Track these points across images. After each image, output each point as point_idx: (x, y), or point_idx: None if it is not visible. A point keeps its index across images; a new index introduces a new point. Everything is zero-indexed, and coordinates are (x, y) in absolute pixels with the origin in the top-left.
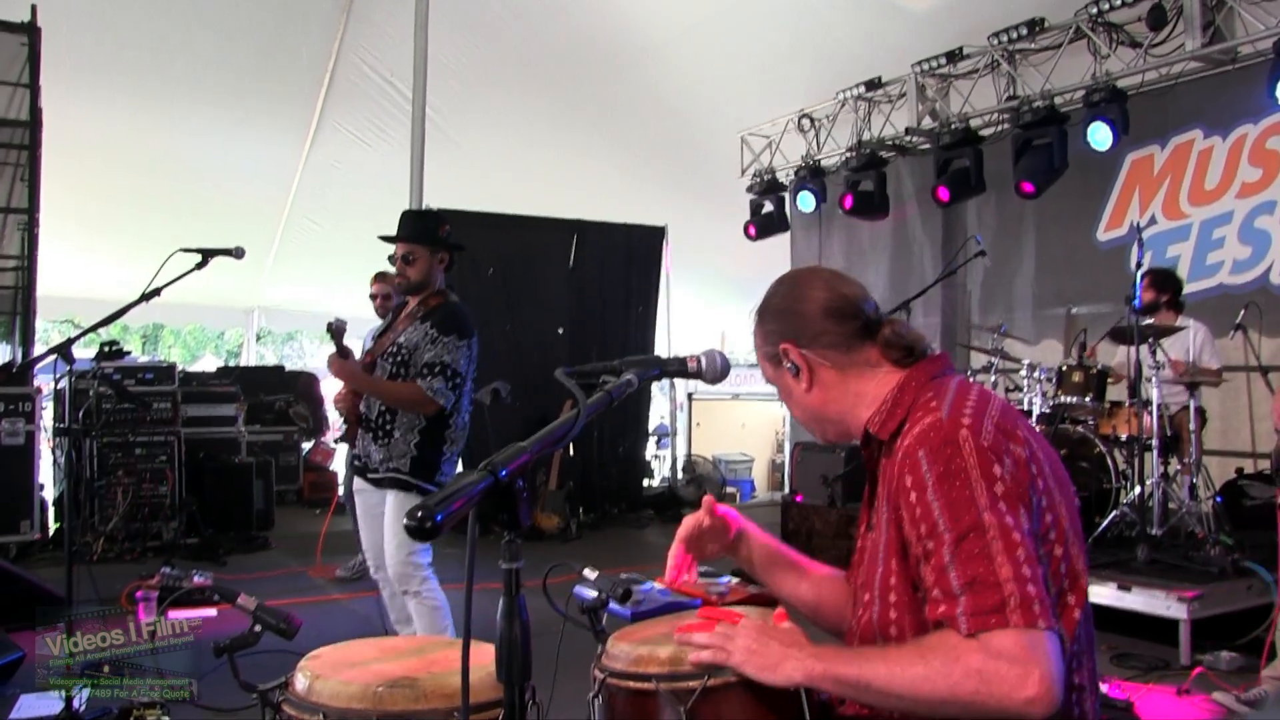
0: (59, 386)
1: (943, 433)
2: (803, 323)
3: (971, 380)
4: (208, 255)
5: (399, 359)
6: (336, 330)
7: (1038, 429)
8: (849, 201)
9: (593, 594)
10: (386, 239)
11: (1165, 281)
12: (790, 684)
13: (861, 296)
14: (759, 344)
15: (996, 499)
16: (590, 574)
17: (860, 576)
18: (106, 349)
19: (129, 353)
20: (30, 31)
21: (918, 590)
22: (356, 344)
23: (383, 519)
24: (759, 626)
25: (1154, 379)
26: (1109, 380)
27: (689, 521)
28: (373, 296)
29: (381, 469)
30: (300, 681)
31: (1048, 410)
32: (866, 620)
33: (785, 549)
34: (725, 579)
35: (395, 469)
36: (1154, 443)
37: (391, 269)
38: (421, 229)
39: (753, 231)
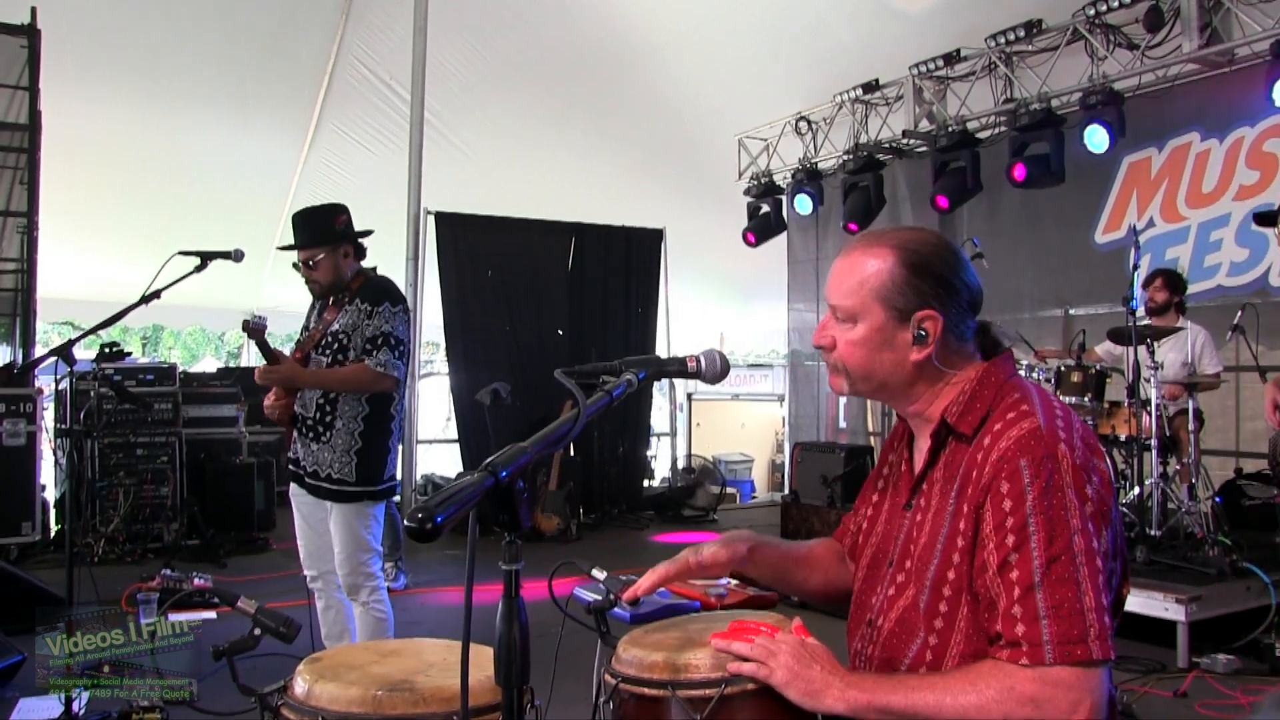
0: (60, 388)
1: (1044, 445)
2: (957, 302)
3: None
4: (206, 258)
5: (337, 346)
6: (255, 328)
7: None
8: (855, 226)
9: (594, 596)
10: (286, 248)
11: (1177, 283)
12: (830, 712)
13: None
14: (895, 285)
15: (1086, 520)
16: (599, 574)
17: (893, 551)
18: (107, 350)
19: (129, 354)
20: (30, 34)
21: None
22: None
23: (325, 527)
24: (796, 646)
25: (1152, 379)
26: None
27: (677, 567)
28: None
29: (322, 475)
30: (299, 685)
31: None
32: (908, 604)
33: (785, 552)
34: (724, 581)
35: (340, 479)
36: (1153, 443)
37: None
38: (313, 231)
39: (752, 239)
